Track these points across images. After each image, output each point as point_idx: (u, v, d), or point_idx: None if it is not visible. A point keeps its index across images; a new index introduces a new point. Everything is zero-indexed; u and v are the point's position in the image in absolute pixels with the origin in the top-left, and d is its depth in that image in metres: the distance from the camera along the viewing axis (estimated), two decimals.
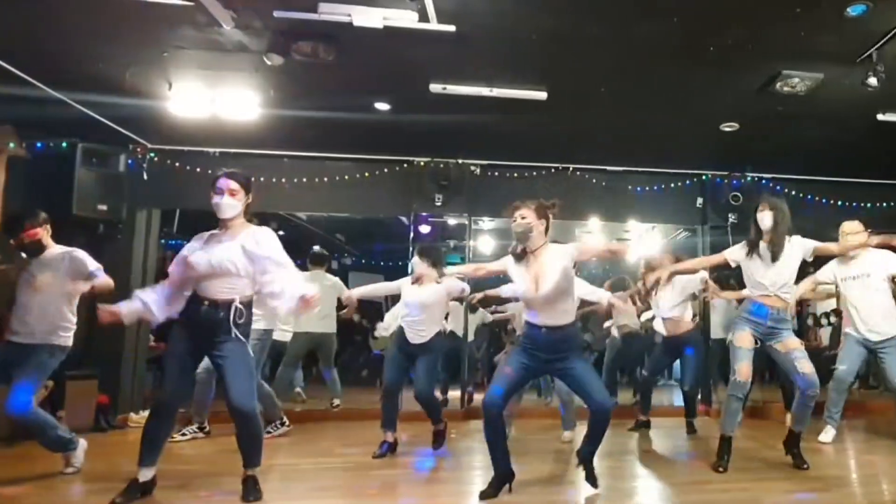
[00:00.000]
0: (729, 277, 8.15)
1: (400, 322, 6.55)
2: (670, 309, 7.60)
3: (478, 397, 10.00)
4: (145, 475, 4.67)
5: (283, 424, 7.60)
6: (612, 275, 9.97)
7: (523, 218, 4.77)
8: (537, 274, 4.80)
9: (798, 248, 5.67)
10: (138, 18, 5.68)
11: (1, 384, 5.33)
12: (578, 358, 4.91)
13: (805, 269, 6.28)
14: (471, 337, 10.61)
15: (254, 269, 4.66)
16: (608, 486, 5.18)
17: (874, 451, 6.67)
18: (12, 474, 5.42)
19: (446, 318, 10.25)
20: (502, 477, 4.85)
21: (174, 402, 4.74)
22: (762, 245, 5.71)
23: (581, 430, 5.31)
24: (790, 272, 5.68)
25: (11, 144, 6.51)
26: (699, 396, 8.37)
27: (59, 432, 5.40)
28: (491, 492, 4.77)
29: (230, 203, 4.66)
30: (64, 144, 8.11)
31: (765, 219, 5.66)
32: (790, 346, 5.66)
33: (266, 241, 4.68)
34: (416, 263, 6.35)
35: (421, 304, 6.33)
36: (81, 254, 5.56)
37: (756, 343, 5.76)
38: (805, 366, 5.53)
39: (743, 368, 5.66)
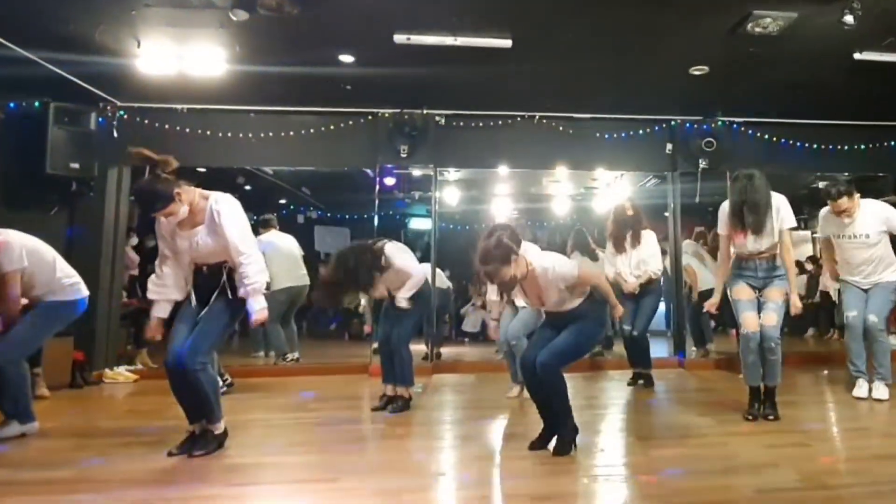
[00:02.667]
0: None
1: None
2: (633, 271, 7.69)
3: (444, 350, 10.44)
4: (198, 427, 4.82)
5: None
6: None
7: (502, 282, 4.58)
8: (537, 292, 4.80)
9: (783, 209, 5.69)
10: None
11: None
12: (582, 323, 4.80)
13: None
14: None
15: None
16: (583, 439, 5.03)
17: (856, 404, 6.49)
18: None
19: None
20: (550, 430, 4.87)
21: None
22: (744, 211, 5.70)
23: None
24: (772, 234, 5.67)
25: None
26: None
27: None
28: (539, 444, 4.78)
29: (182, 210, 4.57)
30: (36, 104, 8.21)
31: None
32: (769, 295, 5.70)
33: (227, 224, 4.62)
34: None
35: None
36: None
37: (756, 292, 5.79)
38: (768, 317, 5.59)
39: (747, 320, 5.68)
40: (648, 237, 7.77)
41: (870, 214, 6.59)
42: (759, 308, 5.78)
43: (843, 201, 6.48)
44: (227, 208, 4.66)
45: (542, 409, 4.84)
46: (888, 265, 6.67)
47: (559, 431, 4.73)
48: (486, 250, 4.43)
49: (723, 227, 5.93)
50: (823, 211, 6.82)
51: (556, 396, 4.74)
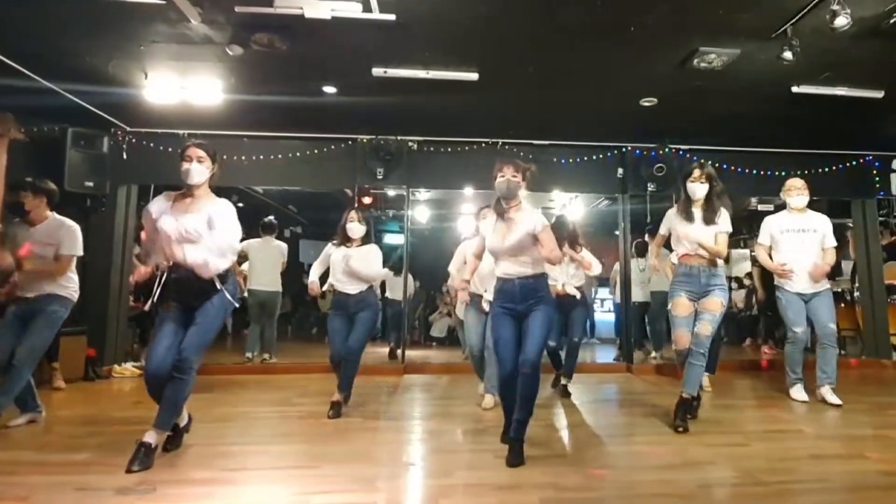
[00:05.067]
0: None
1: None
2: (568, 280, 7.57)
3: (410, 353, 10.51)
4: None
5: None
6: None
7: (514, 177, 4.82)
8: (506, 229, 4.91)
9: (725, 220, 5.81)
10: (118, 17, 6.11)
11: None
12: (544, 307, 4.87)
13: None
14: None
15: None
16: (543, 434, 5.39)
17: (796, 407, 6.71)
18: (11, 416, 5.72)
19: (383, 288, 10.80)
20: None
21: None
22: (693, 210, 5.85)
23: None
24: (709, 235, 5.73)
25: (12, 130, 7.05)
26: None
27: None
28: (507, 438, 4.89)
29: (198, 169, 4.71)
30: (55, 129, 8.68)
31: (696, 190, 5.81)
32: (706, 306, 5.73)
33: (220, 224, 4.72)
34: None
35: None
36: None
37: (694, 306, 5.79)
38: (702, 327, 5.64)
39: (679, 337, 5.74)
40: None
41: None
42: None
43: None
44: (228, 216, 4.77)
45: (510, 411, 4.90)
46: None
47: (516, 436, 4.75)
48: (520, 162, 4.89)
49: (664, 222, 6.14)
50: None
51: (534, 394, 4.79)
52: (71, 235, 5.92)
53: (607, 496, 3.97)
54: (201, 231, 4.61)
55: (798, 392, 7.00)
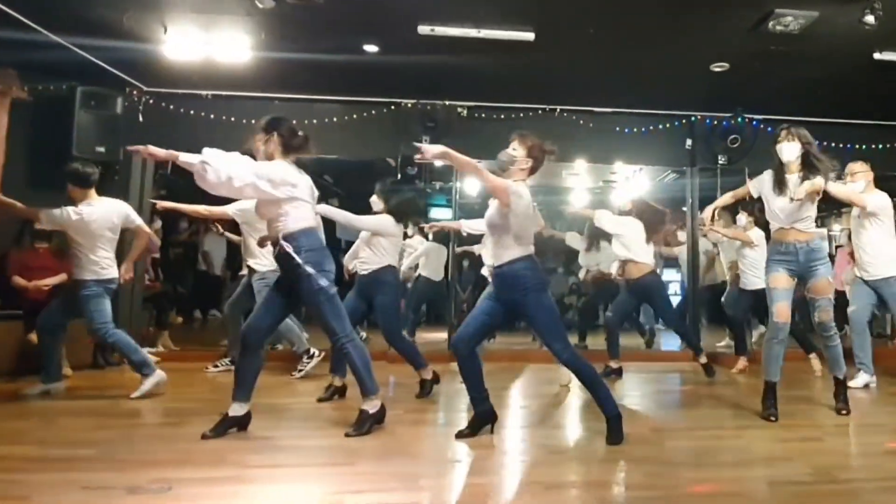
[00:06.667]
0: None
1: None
2: (635, 252, 7.54)
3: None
4: (235, 410, 4.84)
5: (311, 356, 7.72)
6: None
7: (514, 150, 4.79)
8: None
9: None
10: None
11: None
12: (536, 304, 4.71)
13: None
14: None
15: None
16: (592, 428, 5.11)
17: (875, 401, 6.53)
18: (17, 409, 5.66)
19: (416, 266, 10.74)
20: (482, 416, 4.90)
21: (256, 337, 4.87)
22: (788, 177, 5.45)
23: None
24: (809, 206, 5.41)
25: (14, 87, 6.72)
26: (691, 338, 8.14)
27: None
28: (468, 432, 4.82)
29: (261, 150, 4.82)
30: (63, 87, 8.27)
31: (785, 150, 5.43)
32: (816, 290, 5.51)
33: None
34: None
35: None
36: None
37: (794, 280, 5.55)
38: (822, 315, 5.51)
39: (780, 309, 5.46)
40: None
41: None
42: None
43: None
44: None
45: (472, 391, 4.93)
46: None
47: (608, 415, 4.72)
48: (536, 140, 4.85)
49: (754, 182, 5.80)
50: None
51: (585, 382, 4.81)
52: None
53: (671, 495, 3.73)
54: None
55: (857, 380, 6.84)
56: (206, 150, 4.35)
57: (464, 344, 4.86)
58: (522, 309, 4.76)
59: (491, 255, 4.91)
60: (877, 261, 6.66)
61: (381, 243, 6.40)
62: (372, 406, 4.88)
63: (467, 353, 4.85)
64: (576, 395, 6.70)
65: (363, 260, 6.47)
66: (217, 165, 4.29)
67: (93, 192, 6.30)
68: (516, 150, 4.79)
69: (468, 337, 4.88)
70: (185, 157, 4.29)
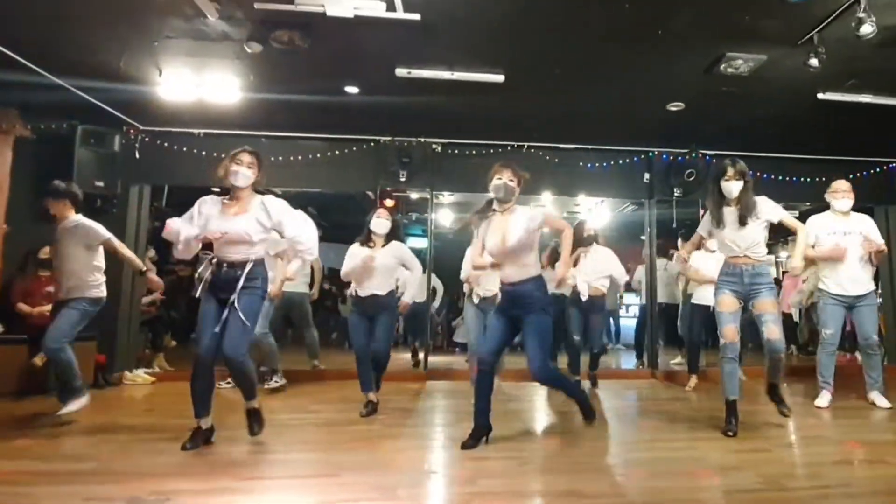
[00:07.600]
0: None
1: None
2: (591, 276, 8.03)
3: (433, 359, 10.31)
4: (205, 423, 5.11)
5: (279, 378, 7.95)
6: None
7: (511, 181, 5.15)
8: (505, 230, 5.12)
9: (769, 209, 5.69)
10: (132, 10, 5.96)
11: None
12: (536, 314, 5.06)
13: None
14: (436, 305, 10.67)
15: (270, 234, 5.14)
16: (560, 440, 5.48)
17: (821, 414, 6.71)
18: (20, 428, 5.79)
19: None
20: (483, 428, 5.21)
21: (209, 357, 4.97)
22: (727, 210, 5.71)
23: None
24: (758, 233, 5.64)
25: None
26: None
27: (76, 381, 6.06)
28: (471, 443, 5.10)
29: (246, 174, 5.08)
30: (64, 126, 8.56)
31: (731, 188, 5.65)
32: (761, 307, 5.60)
33: (274, 208, 5.11)
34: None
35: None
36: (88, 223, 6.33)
37: (740, 302, 5.70)
38: (771, 331, 5.48)
39: (726, 331, 5.65)
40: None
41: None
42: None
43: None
44: (276, 200, 5.23)
45: (480, 403, 5.27)
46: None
47: (582, 409, 5.48)
48: (515, 169, 5.26)
49: (703, 226, 6.04)
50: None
51: (565, 391, 5.56)
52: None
53: (634, 503, 3.96)
54: (251, 231, 5.00)
55: (821, 399, 7.01)
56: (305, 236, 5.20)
57: (492, 358, 5.26)
58: (525, 320, 5.10)
59: (507, 275, 5.20)
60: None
61: None
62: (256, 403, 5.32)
63: (489, 369, 5.22)
64: (545, 409, 7.00)
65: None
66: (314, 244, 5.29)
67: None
68: (513, 180, 5.19)
69: (493, 352, 5.28)
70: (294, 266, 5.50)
